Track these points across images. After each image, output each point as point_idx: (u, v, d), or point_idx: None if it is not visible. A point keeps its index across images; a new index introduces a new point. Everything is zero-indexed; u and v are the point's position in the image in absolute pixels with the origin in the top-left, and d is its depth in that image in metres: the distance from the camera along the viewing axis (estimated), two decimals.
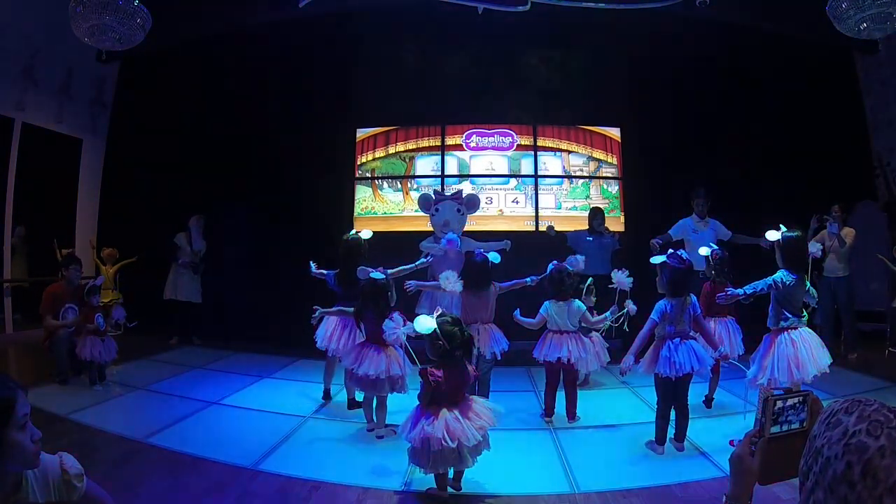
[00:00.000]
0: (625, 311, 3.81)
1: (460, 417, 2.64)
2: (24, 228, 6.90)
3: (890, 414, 0.82)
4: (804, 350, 3.24)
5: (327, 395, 4.43)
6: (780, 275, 3.32)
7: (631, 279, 3.89)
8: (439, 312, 2.80)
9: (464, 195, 5.55)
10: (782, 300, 3.33)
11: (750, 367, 3.43)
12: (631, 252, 6.03)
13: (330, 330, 4.04)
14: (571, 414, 3.91)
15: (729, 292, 3.35)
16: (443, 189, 6.92)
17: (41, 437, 1.34)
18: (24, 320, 6.53)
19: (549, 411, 3.98)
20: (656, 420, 3.38)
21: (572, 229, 6.09)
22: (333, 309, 3.88)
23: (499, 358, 4.01)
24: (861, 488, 0.78)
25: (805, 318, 3.39)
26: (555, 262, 4.03)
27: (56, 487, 1.40)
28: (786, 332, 3.31)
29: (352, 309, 3.69)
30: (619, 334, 4.10)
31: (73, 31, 4.58)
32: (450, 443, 2.56)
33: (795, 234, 3.44)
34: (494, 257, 4.04)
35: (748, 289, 3.35)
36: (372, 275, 3.59)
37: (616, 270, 3.94)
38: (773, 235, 3.47)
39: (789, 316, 3.33)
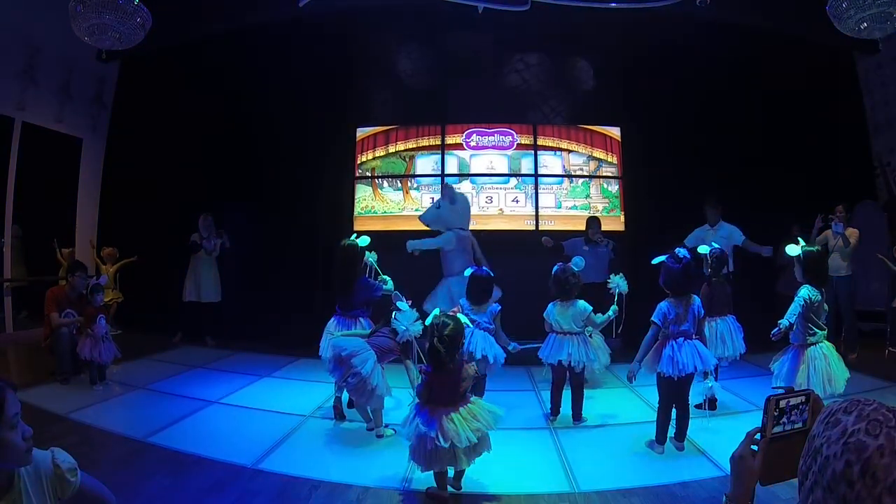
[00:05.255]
0: (611, 314, 3.79)
1: (454, 418, 2.64)
2: (20, 228, 6.88)
3: (889, 413, 0.82)
4: (834, 364, 3.35)
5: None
6: (807, 291, 3.39)
7: (626, 283, 3.87)
8: (458, 310, 2.84)
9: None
10: (809, 315, 3.40)
11: (776, 381, 3.48)
12: (631, 251, 6.03)
13: None
14: (577, 415, 3.91)
15: (782, 327, 3.34)
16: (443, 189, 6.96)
17: (32, 433, 1.34)
18: (31, 319, 6.52)
19: (554, 411, 3.98)
20: (657, 419, 3.38)
21: (569, 237, 6.08)
22: (349, 333, 3.79)
23: (477, 356, 3.92)
24: (860, 487, 0.78)
25: (826, 332, 3.46)
26: (560, 263, 4.03)
27: (49, 483, 1.39)
28: (815, 347, 3.39)
29: (363, 331, 3.74)
30: (618, 334, 4.10)
31: (73, 31, 4.58)
32: (442, 443, 2.57)
33: (815, 249, 3.52)
34: (496, 294, 4.25)
35: (790, 317, 3.37)
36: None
37: (614, 275, 3.93)
38: (793, 250, 3.53)
39: (816, 331, 3.41)
